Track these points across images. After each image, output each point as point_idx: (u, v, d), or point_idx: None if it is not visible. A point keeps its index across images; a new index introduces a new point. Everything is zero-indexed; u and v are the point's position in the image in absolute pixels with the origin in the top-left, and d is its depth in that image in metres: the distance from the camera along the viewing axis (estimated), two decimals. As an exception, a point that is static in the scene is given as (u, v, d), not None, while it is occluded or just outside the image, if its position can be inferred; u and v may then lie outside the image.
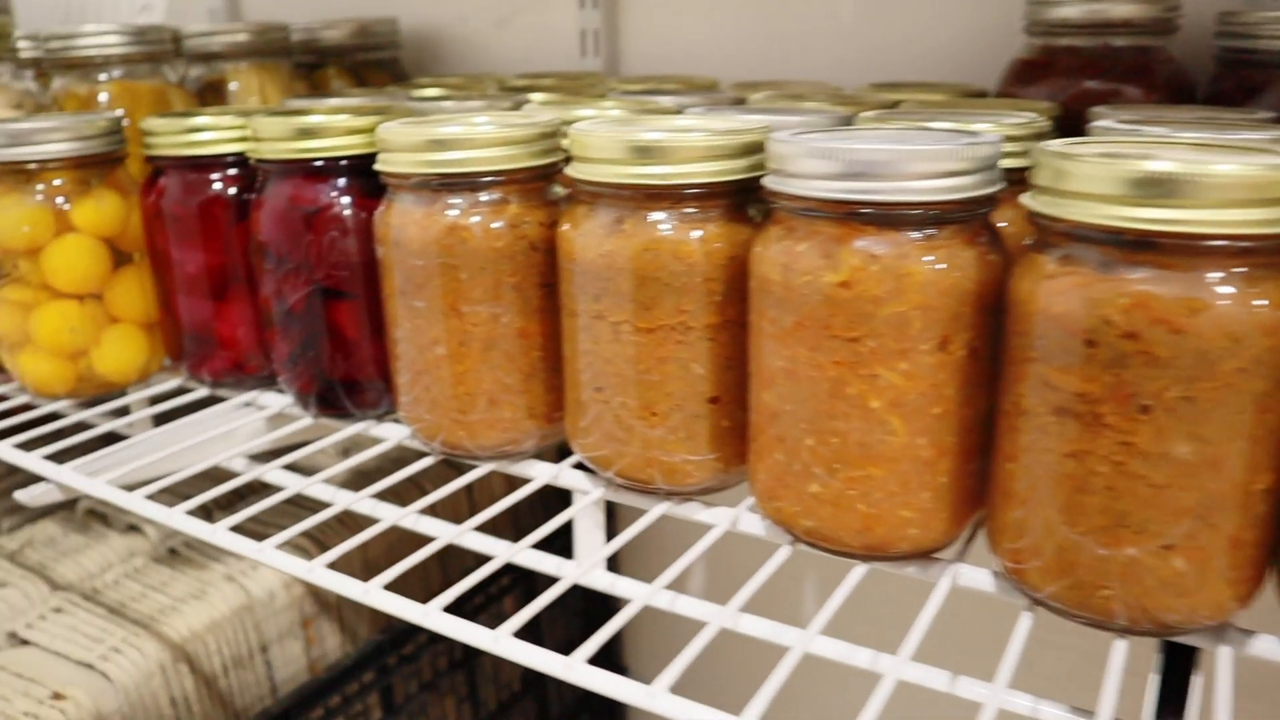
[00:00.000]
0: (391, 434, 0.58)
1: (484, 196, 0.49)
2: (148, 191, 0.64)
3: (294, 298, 0.57)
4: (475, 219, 0.49)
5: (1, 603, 0.79)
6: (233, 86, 0.85)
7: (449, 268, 0.49)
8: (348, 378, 0.58)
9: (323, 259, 0.55)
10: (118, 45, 0.76)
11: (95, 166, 0.63)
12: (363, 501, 0.53)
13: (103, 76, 0.77)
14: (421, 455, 0.56)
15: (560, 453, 0.54)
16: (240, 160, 0.61)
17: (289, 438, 0.61)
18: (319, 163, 0.55)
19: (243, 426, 0.62)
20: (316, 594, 0.83)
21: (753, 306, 0.44)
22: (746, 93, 0.71)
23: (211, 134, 0.61)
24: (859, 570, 0.44)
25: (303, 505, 0.85)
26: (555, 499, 0.99)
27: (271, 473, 0.57)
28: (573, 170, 0.47)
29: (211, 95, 0.85)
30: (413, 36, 1.02)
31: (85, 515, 0.88)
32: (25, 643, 0.75)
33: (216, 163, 0.62)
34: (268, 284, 0.58)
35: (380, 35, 0.97)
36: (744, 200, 0.46)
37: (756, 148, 0.45)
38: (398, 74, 0.99)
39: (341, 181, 0.55)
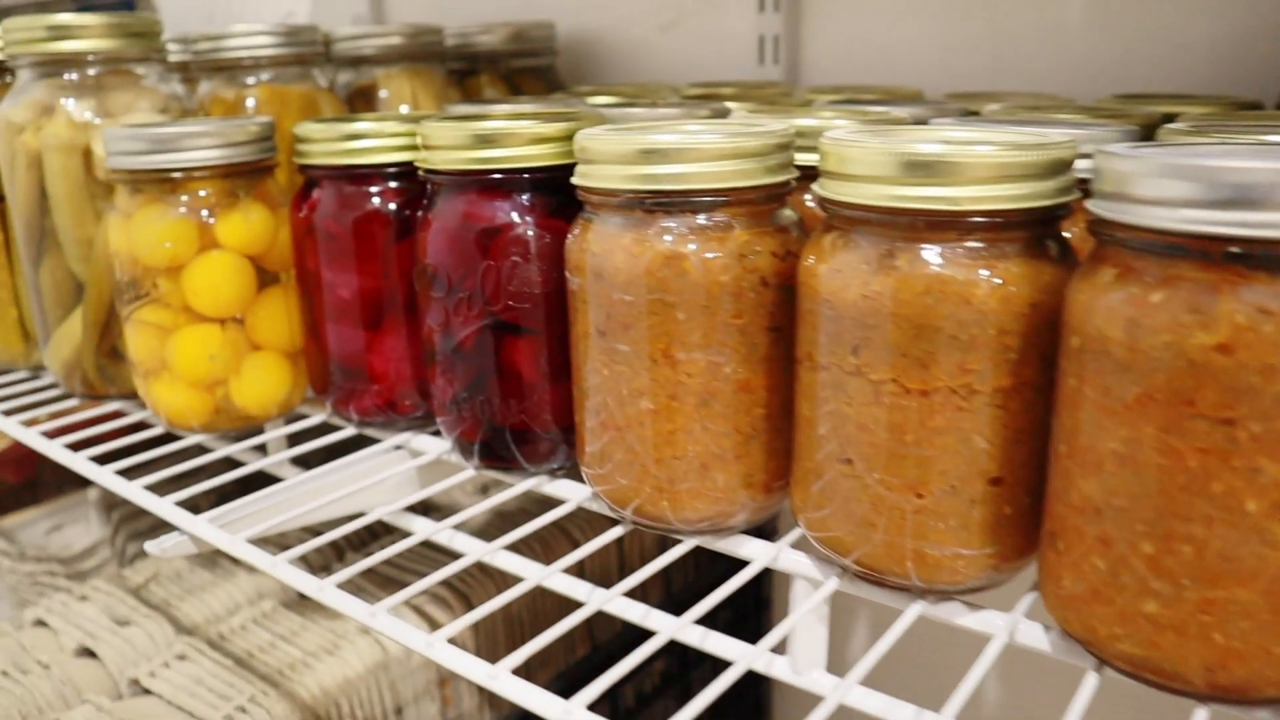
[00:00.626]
0: (569, 494, 0.50)
1: (706, 219, 0.40)
2: (299, 205, 0.57)
3: (464, 332, 0.49)
4: (697, 246, 0.40)
5: (125, 643, 0.73)
6: (383, 93, 0.79)
7: (663, 305, 0.40)
8: (520, 426, 0.50)
9: (500, 288, 0.47)
10: (267, 47, 0.70)
11: (243, 176, 0.57)
12: (500, 554, 0.45)
13: (250, 80, 0.71)
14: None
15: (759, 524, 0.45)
16: (404, 172, 0.54)
17: (447, 491, 0.53)
18: (499, 175, 0.47)
19: (393, 477, 0.54)
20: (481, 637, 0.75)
21: (1068, 369, 0.34)
22: (964, 104, 0.61)
23: (373, 141, 0.54)
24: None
25: (434, 546, 0.78)
26: (707, 558, 0.90)
27: (444, 533, 0.49)
28: (825, 189, 0.38)
29: (360, 102, 0.79)
30: (569, 42, 0.95)
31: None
32: (147, 692, 0.69)
33: (377, 174, 0.54)
34: (433, 314, 0.51)
35: (537, 40, 0.89)
36: (1043, 233, 0.36)
37: (1063, 166, 0.36)
38: (553, 81, 0.91)
39: (525, 198, 0.47)
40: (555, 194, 0.47)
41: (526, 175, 0.47)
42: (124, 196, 0.57)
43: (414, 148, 0.54)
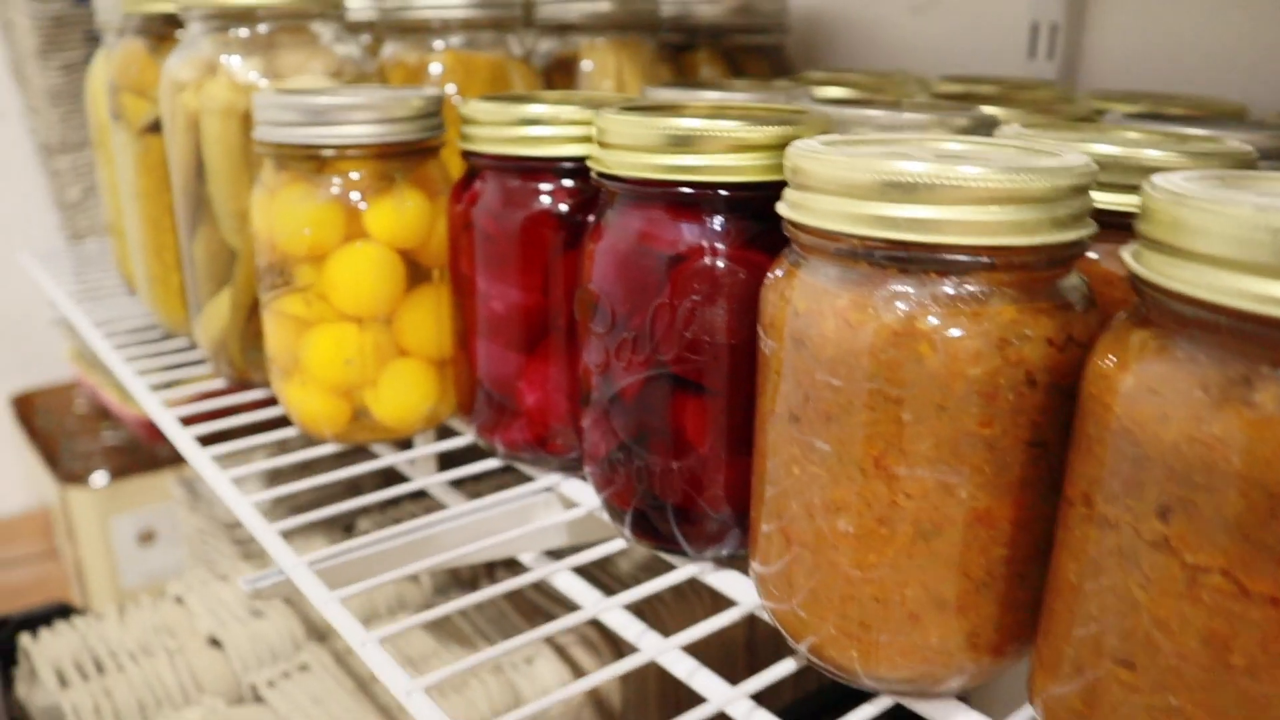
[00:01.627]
0: (739, 594, 0.40)
1: (957, 286, 0.29)
2: (458, 196, 0.49)
3: (626, 380, 0.39)
4: (940, 322, 0.29)
5: (253, 639, 0.68)
6: (585, 66, 0.70)
7: (884, 399, 0.29)
8: (684, 502, 0.40)
9: (676, 332, 0.37)
10: (459, 7, 0.62)
11: (402, 158, 0.49)
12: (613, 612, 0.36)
13: (438, 44, 0.63)
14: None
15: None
16: (582, 169, 0.45)
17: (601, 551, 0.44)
18: (688, 189, 0.37)
19: (537, 529, 0.46)
20: (600, 702, 0.67)
21: None
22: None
23: (548, 129, 0.45)
24: None
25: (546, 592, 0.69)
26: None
27: (561, 575, 0.40)
28: (1149, 266, 0.26)
29: (559, 75, 0.70)
30: (803, 18, 0.83)
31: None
32: (259, 699, 0.64)
33: (550, 169, 0.45)
34: (592, 350, 0.41)
35: (765, 15, 0.78)
36: None
37: None
38: (780, 63, 0.80)
39: (719, 220, 0.37)
40: (759, 218, 0.37)
41: (724, 192, 0.37)
42: (269, 171, 0.50)
43: (591, 141, 0.44)
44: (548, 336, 0.47)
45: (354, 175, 0.48)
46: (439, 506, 0.57)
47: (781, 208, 0.33)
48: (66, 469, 1.14)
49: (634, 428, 0.40)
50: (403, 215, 0.49)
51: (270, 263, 0.50)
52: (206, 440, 0.56)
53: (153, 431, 1.11)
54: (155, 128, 0.65)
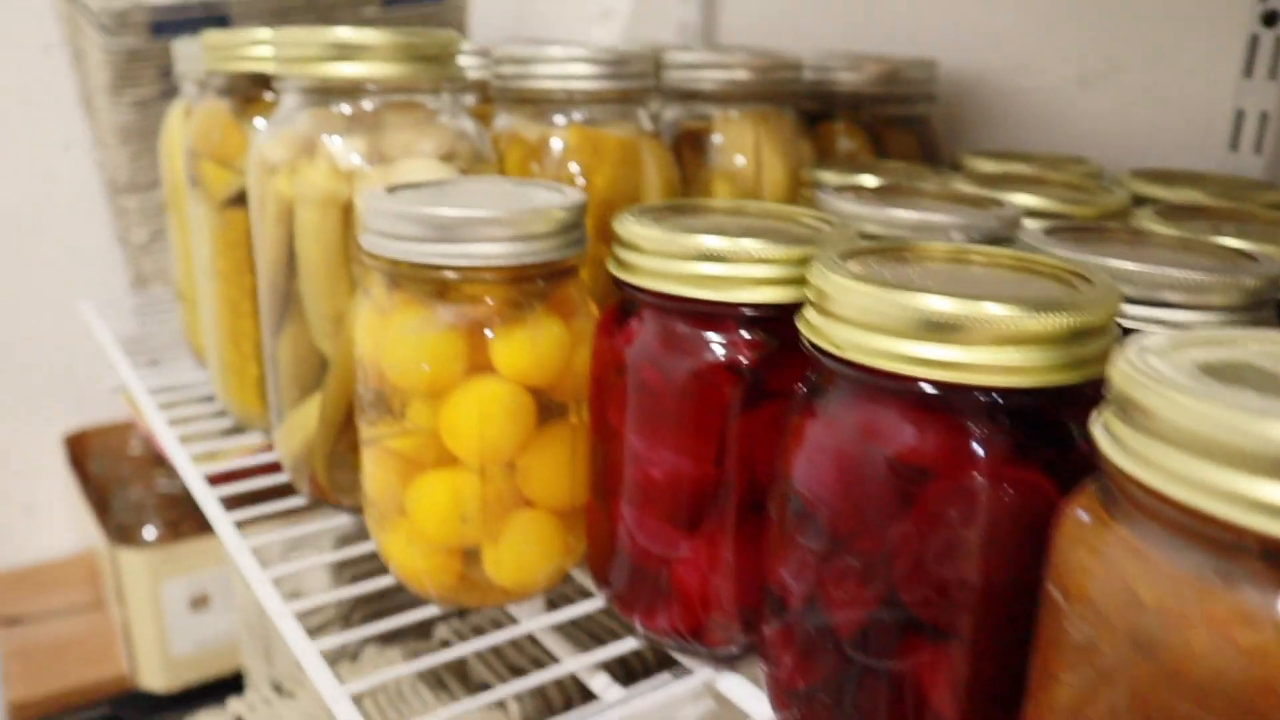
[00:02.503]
0: None
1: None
2: (609, 329, 0.40)
3: (845, 615, 0.31)
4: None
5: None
6: (717, 139, 0.62)
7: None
8: (908, 769, 0.31)
9: (923, 569, 0.29)
10: (588, 78, 0.54)
11: (539, 280, 0.41)
12: None
13: (559, 118, 0.55)
14: None
15: None
16: (767, 316, 0.36)
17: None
18: (947, 389, 0.28)
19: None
20: None
21: None
22: None
23: (731, 268, 0.36)
24: None
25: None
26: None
27: None
28: None
29: (687, 148, 0.62)
30: (947, 86, 0.75)
31: (443, 671, 0.70)
32: None
33: (730, 314, 0.37)
34: (795, 563, 0.33)
35: (912, 84, 0.70)
36: None
37: None
38: (926, 138, 0.71)
39: (984, 428, 0.28)
40: (1032, 424, 0.28)
41: (994, 396, 0.28)
42: (379, 288, 0.42)
43: (788, 283, 0.36)
44: (715, 513, 0.39)
45: (484, 300, 0.40)
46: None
47: (1114, 451, 0.24)
48: (117, 520, 1.08)
49: (848, 672, 0.31)
50: (537, 347, 0.41)
51: (376, 391, 0.42)
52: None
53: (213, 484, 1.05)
54: (238, 201, 0.58)
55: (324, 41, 0.47)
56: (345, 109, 0.48)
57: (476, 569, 0.44)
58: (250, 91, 0.58)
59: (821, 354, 0.31)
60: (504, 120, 0.56)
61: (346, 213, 0.47)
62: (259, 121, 0.57)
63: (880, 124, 0.70)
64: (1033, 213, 0.48)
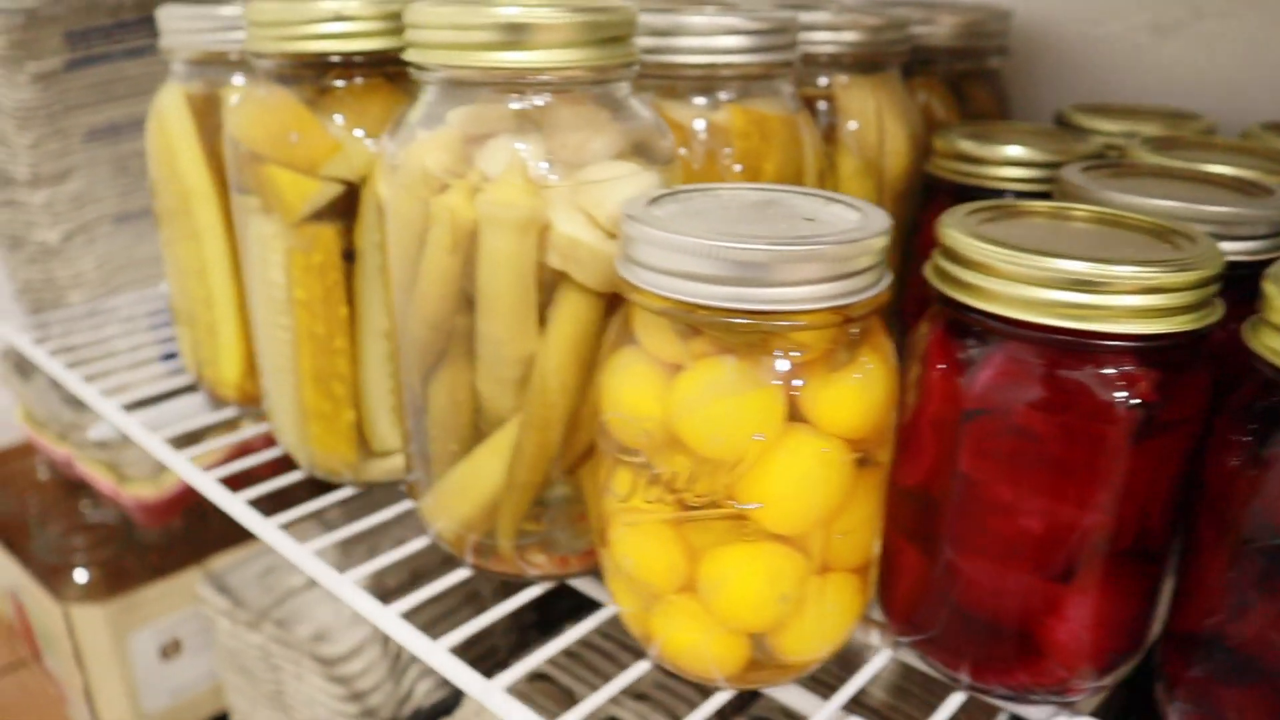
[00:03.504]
0: None
1: None
2: (948, 361, 0.35)
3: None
4: None
5: None
6: (836, 108, 0.56)
7: None
8: None
9: None
10: (741, 50, 0.47)
11: (859, 320, 0.35)
12: None
13: (699, 100, 0.48)
14: None
15: None
16: (1153, 347, 0.32)
17: None
18: None
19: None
20: None
21: None
22: None
23: (1114, 299, 0.32)
24: None
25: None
26: None
27: None
28: None
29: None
30: (1016, 38, 0.71)
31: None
32: None
33: (1116, 346, 0.32)
34: (1251, 615, 0.29)
35: (990, 37, 0.66)
36: None
37: None
38: (1001, 92, 0.68)
39: None
40: None
41: None
42: (664, 337, 0.35)
43: (1182, 310, 0.32)
44: (1095, 561, 0.34)
45: (807, 347, 0.34)
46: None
47: None
48: (40, 562, 0.93)
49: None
50: (863, 396, 0.35)
51: (650, 458, 0.35)
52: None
53: (156, 513, 0.92)
54: (326, 215, 0.48)
55: (489, 23, 0.38)
56: (518, 104, 0.40)
57: (768, 650, 0.38)
58: (321, 79, 0.47)
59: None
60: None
61: (541, 235, 0.39)
62: (338, 118, 0.47)
63: (959, 78, 0.66)
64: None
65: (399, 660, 0.76)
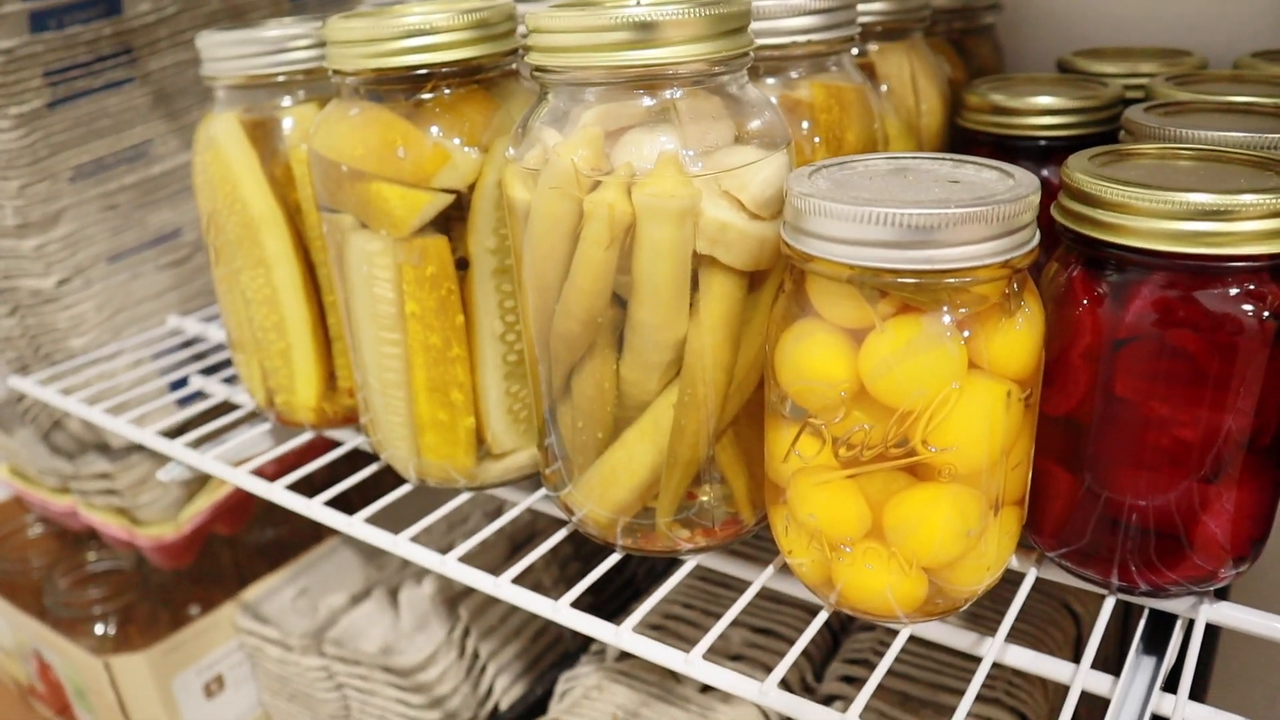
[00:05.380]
0: None
1: None
2: (1092, 297, 0.39)
3: None
4: None
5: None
6: (876, 73, 0.59)
7: None
8: None
9: None
10: (812, 30, 0.50)
11: (1022, 272, 0.38)
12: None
13: (770, 79, 0.51)
14: None
15: None
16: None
17: None
18: None
19: None
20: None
21: None
22: None
23: (1246, 224, 0.36)
24: None
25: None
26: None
27: None
28: None
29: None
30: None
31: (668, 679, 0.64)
32: None
33: (1248, 266, 0.36)
34: None
35: (986, -9, 0.70)
36: None
37: None
38: (996, 45, 0.72)
39: None
40: None
41: None
42: (847, 304, 0.37)
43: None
44: (1238, 461, 0.39)
45: (984, 300, 0.37)
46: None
47: None
48: (54, 618, 0.91)
49: None
50: (1028, 341, 0.38)
51: (847, 420, 0.38)
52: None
53: (174, 553, 0.90)
54: (434, 227, 0.49)
55: (619, 23, 0.40)
56: (648, 100, 0.42)
57: (943, 584, 0.41)
58: (413, 92, 0.48)
59: None
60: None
61: (694, 224, 0.41)
62: (435, 129, 0.48)
63: (959, 36, 0.70)
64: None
65: (475, 661, 0.77)
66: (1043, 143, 0.56)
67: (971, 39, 0.70)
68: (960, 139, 0.61)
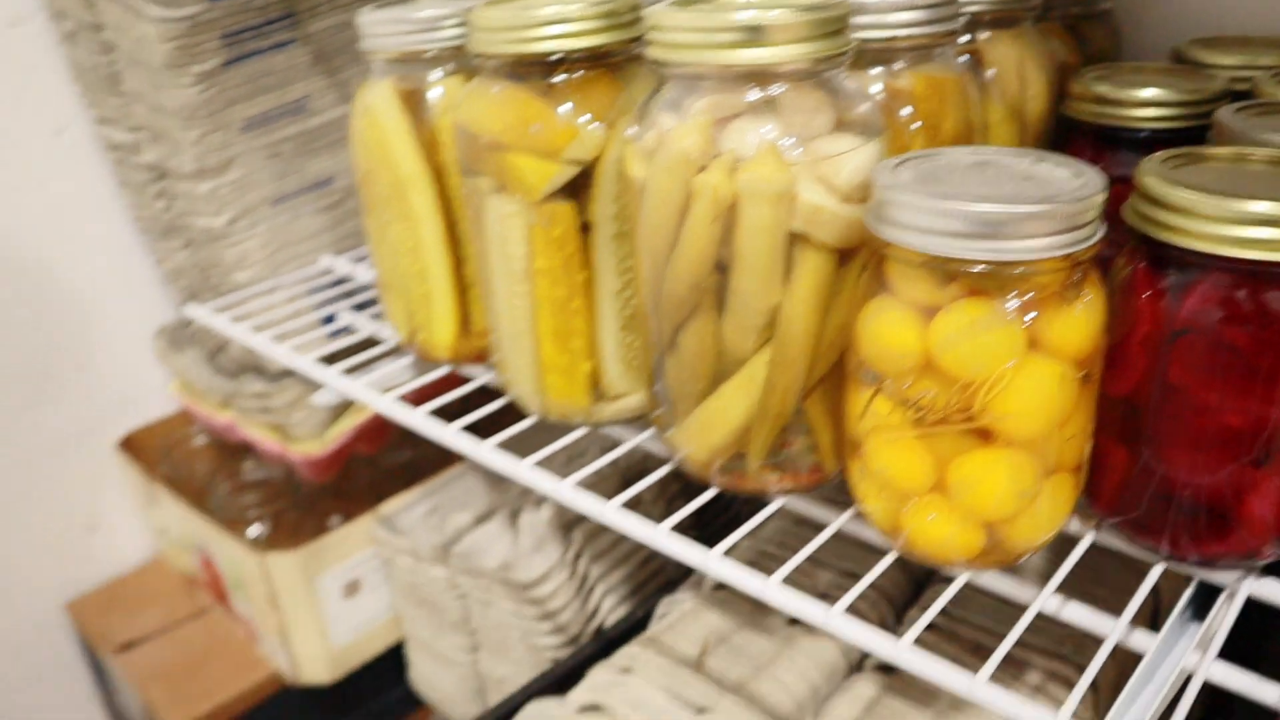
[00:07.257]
0: None
1: None
2: (1153, 291, 0.42)
3: None
4: None
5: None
6: (984, 63, 0.62)
7: None
8: None
9: None
10: (918, 24, 0.54)
11: (1084, 262, 0.42)
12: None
13: (896, 65, 0.55)
14: None
15: None
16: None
17: None
18: None
19: None
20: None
21: None
22: None
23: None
24: None
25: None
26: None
27: None
28: None
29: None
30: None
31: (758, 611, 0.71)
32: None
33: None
34: None
35: (1104, -25, 0.71)
36: None
37: None
38: (1113, 31, 0.74)
39: None
40: None
41: None
42: (921, 285, 0.42)
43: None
44: (1281, 446, 0.42)
45: (1045, 287, 0.41)
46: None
47: None
48: (219, 519, 1.02)
49: None
50: (1088, 325, 0.42)
51: (916, 386, 0.43)
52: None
53: (321, 468, 1.00)
54: (562, 194, 0.55)
55: (730, 25, 0.45)
56: (756, 94, 0.47)
57: (995, 535, 0.46)
58: (548, 74, 0.54)
59: None
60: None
61: (791, 206, 0.46)
62: (566, 107, 0.54)
63: (1074, 21, 0.71)
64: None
65: (585, 582, 0.85)
66: (1143, 134, 0.58)
67: (1088, 24, 0.72)
68: (1063, 127, 0.63)
